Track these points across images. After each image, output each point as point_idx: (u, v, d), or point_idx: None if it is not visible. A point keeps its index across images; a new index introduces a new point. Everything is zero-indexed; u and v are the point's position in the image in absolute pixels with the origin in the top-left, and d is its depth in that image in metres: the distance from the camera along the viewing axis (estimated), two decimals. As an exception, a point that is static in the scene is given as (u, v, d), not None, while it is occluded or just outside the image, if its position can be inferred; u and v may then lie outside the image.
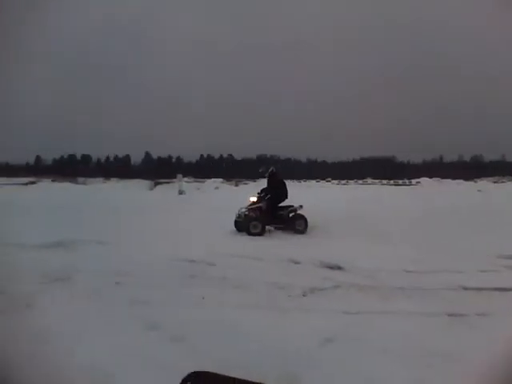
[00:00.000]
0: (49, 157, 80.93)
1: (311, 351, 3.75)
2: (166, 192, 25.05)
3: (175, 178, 32.44)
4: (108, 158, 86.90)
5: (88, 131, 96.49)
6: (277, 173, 11.75)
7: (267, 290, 5.71)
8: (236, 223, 11.19)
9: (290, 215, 11.17)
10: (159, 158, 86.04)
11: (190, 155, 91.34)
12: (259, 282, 6.00)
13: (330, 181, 50.75)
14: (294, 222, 11.02)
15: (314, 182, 49.62)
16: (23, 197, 20.19)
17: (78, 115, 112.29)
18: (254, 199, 11.35)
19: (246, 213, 11.08)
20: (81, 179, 41.20)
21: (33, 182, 34.70)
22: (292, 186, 13.88)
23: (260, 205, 11.15)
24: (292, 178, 44.79)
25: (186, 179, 34.71)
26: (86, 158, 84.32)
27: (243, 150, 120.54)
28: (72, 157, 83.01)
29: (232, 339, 3.96)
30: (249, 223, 10.78)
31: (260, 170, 12.10)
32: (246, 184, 37.64)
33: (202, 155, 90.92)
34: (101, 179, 42.98)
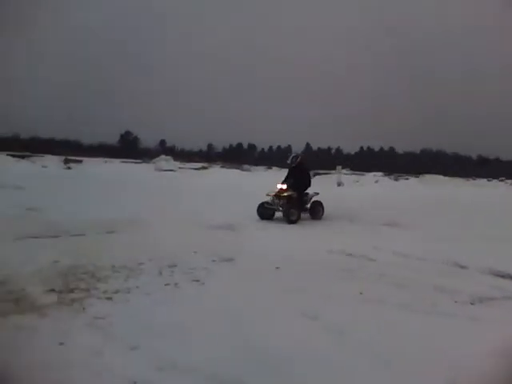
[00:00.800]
0: (219, 145, 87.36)
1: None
2: (324, 183, 25.19)
3: (334, 169, 32.50)
4: (271, 147, 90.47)
5: (254, 122, 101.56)
6: (302, 161, 11.97)
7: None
8: (264, 210, 11.30)
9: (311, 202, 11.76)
10: (319, 149, 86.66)
11: (350, 147, 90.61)
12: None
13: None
14: (314, 209, 11.69)
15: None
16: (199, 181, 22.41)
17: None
18: (283, 187, 11.33)
19: (280, 201, 11.18)
20: (246, 166, 43.72)
21: (205, 167, 38.06)
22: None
23: (292, 193, 11.25)
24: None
25: (344, 171, 34.52)
26: (251, 147, 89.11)
27: (405, 143, 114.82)
28: (239, 145, 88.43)
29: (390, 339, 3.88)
30: (288, 211, 10.98)
31: (288, 161, 12.17)
32: (406, 179, 35.81)
33: (361, 147, 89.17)
34: (263, 167, 45.01)
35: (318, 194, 11.88)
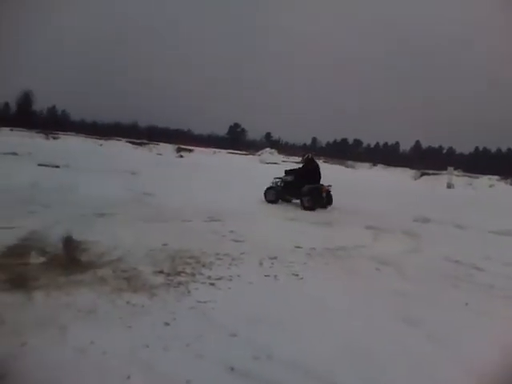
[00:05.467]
0: (324, 139, 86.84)
1: None
2: (432, 184, 23.96)
3: (445, 169, 30.80)
4: (378, 143, 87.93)
5: (361, 117, 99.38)
6: (313, 158, 13.30)
7: None
8: (277, 194, 12.73)
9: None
10: (429, 148, 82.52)
11: (464, 147, 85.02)
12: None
13: None
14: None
15: None
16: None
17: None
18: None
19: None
20: (350, 162, 42.98)
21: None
22: None
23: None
24: None
25: (456, 172, 32.55)
26: (357, 143, 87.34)
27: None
28: (344, 141, 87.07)
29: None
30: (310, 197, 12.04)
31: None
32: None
33: (477, 147, 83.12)
34: (368, 164, 43.89)
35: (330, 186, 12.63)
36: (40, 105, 59.72)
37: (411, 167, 38.67)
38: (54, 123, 51.95)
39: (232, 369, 3.02)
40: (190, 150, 40.08)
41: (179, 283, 4.68)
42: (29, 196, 9.06)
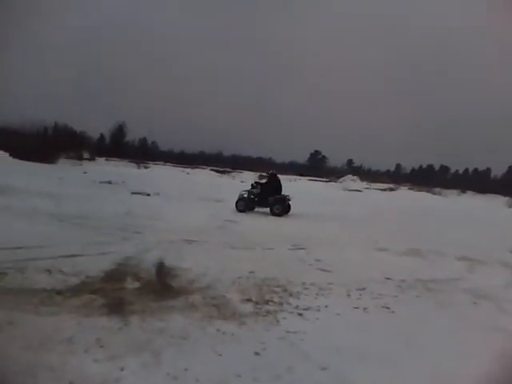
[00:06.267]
0: (408, 165, 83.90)
1: None
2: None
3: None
4: (467, 169, 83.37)
5: (448, 142, 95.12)
6: (275, 174, 15.63)
7: None
8: (246, 204, 14.77)
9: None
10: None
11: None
12: None
13: None
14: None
15: None
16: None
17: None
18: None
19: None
20: (437, 189, 41.10)
21: (392, 189, 36.98)
22: None
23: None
24: None
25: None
26: (443, 169, 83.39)
27: None
28: (430, 167, 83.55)
29: None
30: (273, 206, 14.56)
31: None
32: None
33: None
34: (456, 191, 41.65)
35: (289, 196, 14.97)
36: (132, 136, 63.50)
37: (503, 194, 36.14)
38: (144, 153, 54.92)
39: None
40: (271, 178, 40.53)
41: (267, 312, 4.66)
42: (123, 223, 9.58)
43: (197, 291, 5.16)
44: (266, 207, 14.73)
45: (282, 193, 15.06)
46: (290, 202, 14.83)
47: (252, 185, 15.52)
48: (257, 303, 4.93)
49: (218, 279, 5.72)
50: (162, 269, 6.00)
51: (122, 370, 3.14)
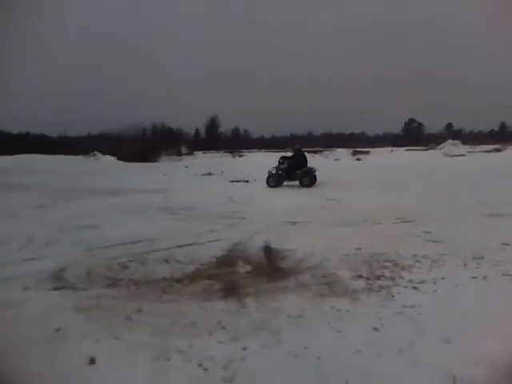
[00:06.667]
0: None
1: None
2: None
3: None
4: None
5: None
6: (300, 149, 16.20)
7: None
8: (276, 180, 15.74)
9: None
10: None
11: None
12: None
13: None
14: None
15: None
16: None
17: None
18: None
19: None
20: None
21: (498, 150, 34.23)
22: None
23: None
24: None
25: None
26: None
27: None
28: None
29: None
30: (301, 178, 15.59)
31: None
32: None
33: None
34: None
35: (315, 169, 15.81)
36: (224, 127, 65.18)
37: None
38: (237, 142, 56.14)
39: (454, 376, 2.81)
40: (367, 152, 39.37)
41: (380, 287, 4.57)
42: (227, 211, 9.92)
43: (306, 270, 5.21)
44: (295, 180, 15.70)
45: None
46: (315, 174, 15.71)
47: (279, 161, 16.11)
48: (368, 279, 4.85)
49: (325, 258, 5.71)
50: (269, 251, 6.14)
51: (245, 349, 3.27)
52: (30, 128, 58.31)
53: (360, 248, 6.15)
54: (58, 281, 5.01)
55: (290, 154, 16.69)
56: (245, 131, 69.74)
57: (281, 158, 16.25)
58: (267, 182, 15.69)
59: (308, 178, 15.49)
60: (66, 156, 38.12)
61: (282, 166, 15.84)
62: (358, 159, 36.72)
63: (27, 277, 5.08)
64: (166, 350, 3.27)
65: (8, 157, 34.81)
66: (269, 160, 36.14)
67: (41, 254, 6.21)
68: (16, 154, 36.46)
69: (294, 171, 15.64)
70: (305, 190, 14.32)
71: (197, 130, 63.86)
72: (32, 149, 38.46)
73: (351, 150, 40.62)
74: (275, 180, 15.71)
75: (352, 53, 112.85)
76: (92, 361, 3.11)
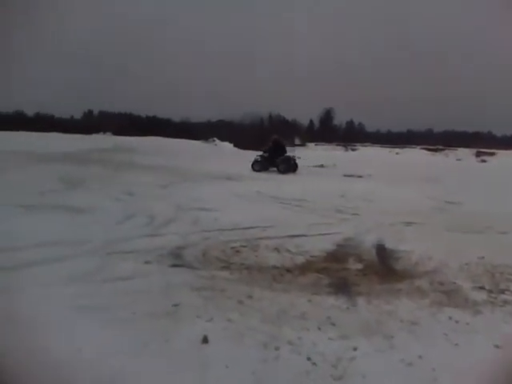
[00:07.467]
0: None
1: None
2: None
3: None
4: None
5: None
6: (278, 139, 19.01)
7: None
8: (261, 165, 18.19)
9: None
10: None
11: None
12: None
13: None
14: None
15: None
16: None
17: None
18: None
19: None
20: None
21: None
22: None
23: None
24: None
25: None
26: None
27: None
28: None
29: None
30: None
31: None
32: None
33: None
34: None
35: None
36: (339, 119, 64.06)
37: None
38: (351, 136, 54.83)
39: None
40: (492, 154, 36.12)
41: (504, 302, 4.23)
42: (340, 205, 9.75)
43: (422, 275, 4.96)
44: (275, 167, 18.04)
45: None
46: (296, 162, 18.32)
47: (263, 150, 18.66)
48: (490, 291, 4.50)
49: (444, 264, 5.38)
50: (382, 251, 5.94)
51: (355, 349, 3.19)
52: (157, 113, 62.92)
53: (483, 257, 5.69)
54: (176, 258, 5.31)
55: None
56: (359, 124, 67.96)
57: (263, 150, 18.79)
58: (252, 167, 18.16)
59: (284, 165, 17.91)
60: (187, 140, 40.12)
61: (265, 155, 18.39)
62: (483, 161, 33.91)
63: (148, 252, 5.46)
64: (275, 339, 3.31)
65: (139, 138, 37.45)
66: (385, 155, 35.13)
67: (161, 232, 6.63)
68: (146, 135, 39.20)
69: (274, 159, 18.11)
70: (422, 190, 13.51)
71: (311, 121, 63.67)
72: (159, 132, 41.41)
73: (474, 151, 37.57)
74: (260, 165, 18.16)
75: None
76: (205, 339, 3.24)
